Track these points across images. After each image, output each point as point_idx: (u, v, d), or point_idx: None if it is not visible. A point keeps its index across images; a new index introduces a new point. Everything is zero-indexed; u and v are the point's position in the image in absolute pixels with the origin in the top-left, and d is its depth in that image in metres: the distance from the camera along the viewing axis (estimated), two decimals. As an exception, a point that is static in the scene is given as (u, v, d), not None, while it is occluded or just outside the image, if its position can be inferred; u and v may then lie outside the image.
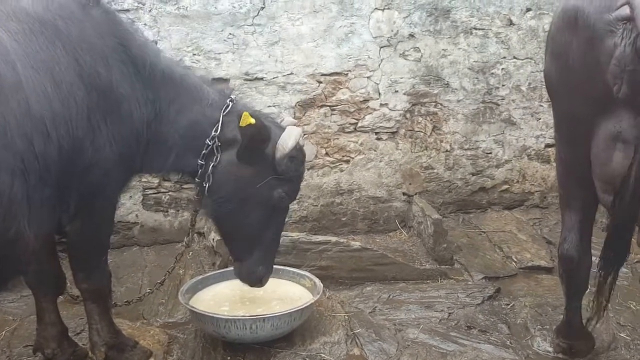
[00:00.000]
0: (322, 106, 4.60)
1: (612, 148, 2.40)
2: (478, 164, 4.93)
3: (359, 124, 4.68)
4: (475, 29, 4.73)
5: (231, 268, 3.32)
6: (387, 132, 4.73)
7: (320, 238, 3.98)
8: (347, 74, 4.59)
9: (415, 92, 4.72)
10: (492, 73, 4.82)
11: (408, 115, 4.74)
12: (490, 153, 4.94)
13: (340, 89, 4.61)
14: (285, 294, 3.40)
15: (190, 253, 3.52)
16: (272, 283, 3.18)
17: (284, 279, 3.50)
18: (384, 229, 4.78)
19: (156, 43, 4.14)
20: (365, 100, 4.65)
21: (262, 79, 4.49)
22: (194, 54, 4.38)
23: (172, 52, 4.19)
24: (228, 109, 2.80)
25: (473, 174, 4.94)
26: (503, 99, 4.87)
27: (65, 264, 2.86)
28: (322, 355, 3.09)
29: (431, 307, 3.57)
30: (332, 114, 4.63)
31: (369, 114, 4.67)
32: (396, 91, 4.68)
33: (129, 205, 4.47)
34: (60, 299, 3.01)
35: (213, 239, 3.94)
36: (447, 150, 4.86)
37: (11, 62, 2.09)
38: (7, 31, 2.17)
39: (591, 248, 2.85)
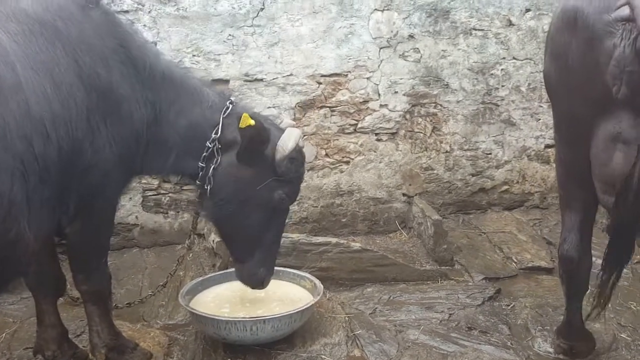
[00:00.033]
0: (321, 107, 4.61)
1: (612, 149, 2.39)
2: (478, 164, 4.93)
3: (359, 125, 4.68)
4: (475, 29, 4.74)
5: (231, 270, 3.32)
6: (387, 133, 4.73)
7: (320, 239, 3.98)
8: (346, 75, 4.59)
9: (415, 93, 4.72)
10: (492, 74, 4.82)
11: (408, 116, 4.74)
12: (490, 154, 4.94)
13: (340, 90, 4.61)
14: (286, 296, 3.40)
15: (191, 255, 3.52)
16: (273, 284, 3.17)
17: (284, 280, 3.50)
18: (384, 230, 4.78)
19: (156, 44, 4.14)
20: (365, 101, 4.65)
21: (261, 80, 4.49)
22: (194, 55, 4.38)
23: (171, 53, 4.20)
24: (228, 111, 2.80)
25: (473, 175, 4.94)
26: (503, 100, 4.88)
27: (65, 265, 2.86)
28: (323, 356, 3.09)
29: (432, 308, 3.57)
30: (332, 115, 4.63)
31: (369, 115, 4.67)
32: (396, 92, 4.68)
33: (129, 207, 4.47)
34: (61, 300, 3.01)
35: (213, 241, 3.94)
36: (447, 151, 4.86)
37: (11, 63, 2.09)
38: (6, 32, 2.17)
39: (591, 249, 2.85)
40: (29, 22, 2.26)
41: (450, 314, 3.49)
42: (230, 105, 2.83)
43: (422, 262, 4.16)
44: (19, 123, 2.05)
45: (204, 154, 2.78)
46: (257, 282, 3.03)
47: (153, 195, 4.52)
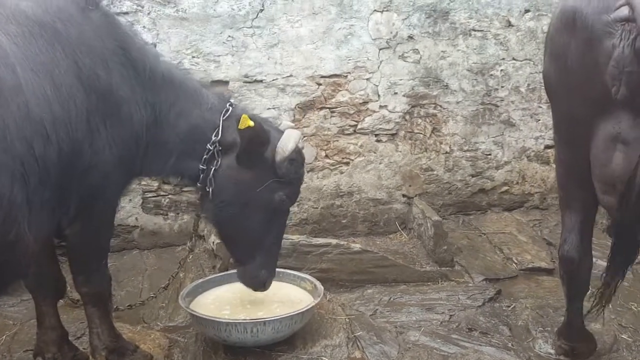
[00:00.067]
0: (321, 108, 4.61)
1: (611, 149, 2.39)
2: (478, 165, 4.93)
3: (359, 126, 4.68)
4: (474, 30, 4.74)
5: (231, 271, 3.32)
6: (386, 134, 4.73)
7: (320, 240, 3.98)
8: (346, 76, 4.59)
9: (415, 94, 4.73)
10: (491, 74, 4.82)
11: (407, 117, 4.74)
12: (490, 154, 4.94)
13: (340, 90, 4.61)
14: (286, 297, 3.39)
15: (191, 256, 3.52)
16: (273, 286, 3.17)
17: (284, 281, 3.49)
18: (384, 231, 4.77)
19: (155, 46, 4.15)
20: (365, 102, 4.65)
21: (261, 81, 4.49)
22: (193, 57, 4.38)
23: (171, 54, 4.20)
24: (228, 114, 2.81)
25: (473, 176, 4.94)
26: (502, 100, 4.88)
27: (65, 267, 2.85)
28: (324, 358, 3.09)
29: (432, 310, 3.57)
30: (331, 116, 4.63)
31: (369, 115, 4.67)
32: (395, 93, 4.68)
33: (129, 209, 4.47)
34: (61, 302, 3.00)
35: (213, 242, 3.93)
36: (446, 152, 4.86)
37: (11, 65, 2.09)
38: (6, 34, 2.17)
39: (592, 249, 2.84)
40: (28, 24, 2.25)
41: (450, 315, 3.49)
42: (230, 107, 2.83)
43: (423, 263, 4.16)
44: (19, 125, 2.04)
45: (205, 156, 2.78)
46: (259, 284, 3.03)
47: (153, 196, 4.52)
